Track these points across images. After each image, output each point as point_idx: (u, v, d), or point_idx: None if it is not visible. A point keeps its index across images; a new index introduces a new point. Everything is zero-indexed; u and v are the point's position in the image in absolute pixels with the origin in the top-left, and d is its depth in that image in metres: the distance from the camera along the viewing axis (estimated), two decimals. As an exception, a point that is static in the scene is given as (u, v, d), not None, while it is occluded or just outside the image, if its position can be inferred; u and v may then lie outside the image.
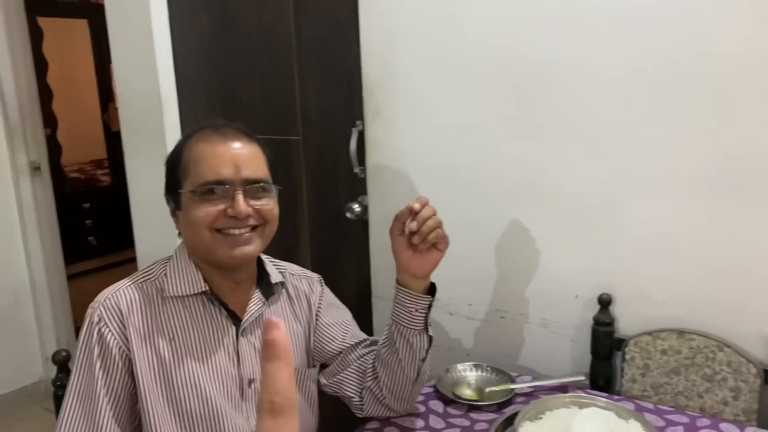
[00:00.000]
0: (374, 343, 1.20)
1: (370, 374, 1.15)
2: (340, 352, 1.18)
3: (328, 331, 1.18)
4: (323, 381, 1.19)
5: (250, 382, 1.06)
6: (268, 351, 0.36)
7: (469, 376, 1.36)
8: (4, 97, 2.59)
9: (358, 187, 1.74)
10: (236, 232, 1.00)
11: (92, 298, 1.03)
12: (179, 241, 1.09)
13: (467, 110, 1.45)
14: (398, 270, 1.09)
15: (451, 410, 1.24)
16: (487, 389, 1.28)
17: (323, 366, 1.21)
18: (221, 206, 0.98)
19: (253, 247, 1.02)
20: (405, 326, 1.09)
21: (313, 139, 1.83)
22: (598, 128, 1.29)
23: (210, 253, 1.02)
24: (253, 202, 1.00)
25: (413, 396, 1.17)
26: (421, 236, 1.03)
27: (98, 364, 0.98)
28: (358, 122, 1.68)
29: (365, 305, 1.72)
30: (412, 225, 1.03)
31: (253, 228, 1.02)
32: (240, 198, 0.98)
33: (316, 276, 1.22)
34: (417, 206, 1.03)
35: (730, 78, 1.15)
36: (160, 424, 1.00)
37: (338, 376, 1.18)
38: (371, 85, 1.58)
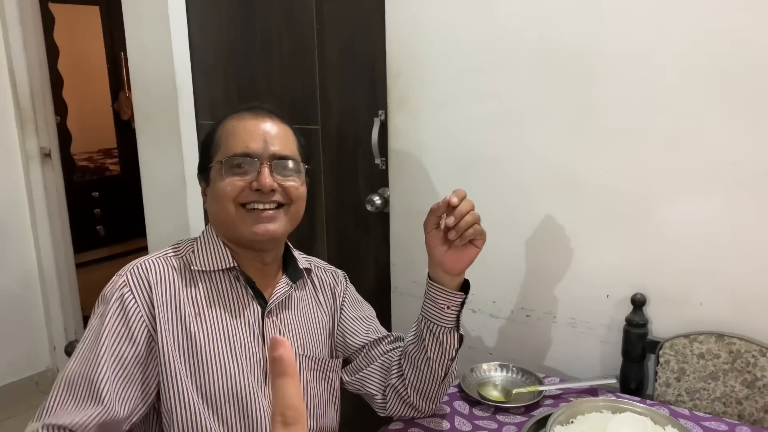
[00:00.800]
0: (399, 339, 1.16)
1: (395, 372, 1.10)
2: (363, 347, 1.14)
3: (352, 324, 1.15)
4: (346, 378, 1.15)
5: None
6: (276, 368, 0.39)
7: (495, 376, 1.31)
8: (15, 83, 2.55)
9: (378, 179, 1.69)
10: (260, 207, 0.99)
11: (99, 288, 0.99)
12: (194, 227, 1.07)
13: (497, 101, 1.39)
14: (431, 265, 1.04)
15: (477, 411, 1.19)
16: (515, 390, 1.23)
17: (345, 362, 1.17)
18: (247, 178, 0.98)
19: (276, 226, 1.00)
20: (435, 323, 1.04)
21: (333, 128, 1.78)
22: (636, 122, 1.23)
23: (234, 229, 1.00)
24: (279, 179, 0.99)
25: (439, 396, 1.12)
26: (458, 232, 0.97)
27: (112, 325, 0.93)
28: (380, 111, 1.63)
29: (384, 299, 1.67)
30: (449, 220, 0.97)
31: (278, 206, 1.00)
32: (266, 170, 0.98)
33: (341, 272, 1.21)
34: (455, 200, 0.97)
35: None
36: (185, 400, 0.95)
37: (361, 373, 1.14)
38: (396, 73, 1.53)
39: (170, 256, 1.02)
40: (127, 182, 4.32)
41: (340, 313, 1.16)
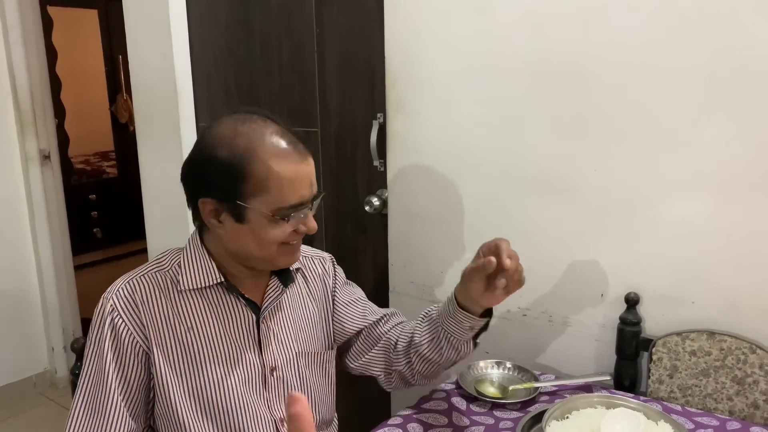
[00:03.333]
0: (395, 315, 1.21)
1: (402, 360, 1.15)
2: (362, 330, 1.18)
3: (347, 309, 1.19)
4: (351, 364, 1.20)
5: (273, 370, 1.06)
6: (294, 425, 0.42)
7: (491, 373, 1.34)
8: (16, 86, 2.57)
9: (377, 181, 1.71)
10: (296, 241, 1.02)
11: (96, 290, 1.02)
12: (194, 230, 1.07)
13: (494, 104, 1.42)
14: (463, 296, 1.05)
15: (474, 407, 1.22)
16: (511, 387, 1.26)
17: (346, 348, 1.20)
18: (293, 223, 0.98)
19: (300, 248, 1.07)
20: (455, 336, 1.08)
21: (332, 131, 1.80)
22: (629, 124, 1.26)
23: (267, 263, 1.03)
24: None
25: (443, 376, 1.20)
26: (506, 290, 0.99)
27: (110, 355, 0.97)
28: (379, 114, 1.65)
29: (382, 300, 1.70)
30: (501, 282, 0.97)
31: None
32: (310, 215, 1.00)
33: (327, 255, 1.22)
34: (508, 263, 0.96)
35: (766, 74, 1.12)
36: (180, 415, 0.99)
37: (365, 357, 1.18)
38: (394, 76, 1.56)
39: (155, 272, 1.02)
40: (124, 185, 4.33)
41: (333, 299, 1.18)
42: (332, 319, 1.17)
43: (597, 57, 1.27)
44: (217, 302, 1.03)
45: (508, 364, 1.35)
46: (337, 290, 1.19)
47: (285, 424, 1.05)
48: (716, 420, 1.14)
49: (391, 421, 1.16)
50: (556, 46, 1.32)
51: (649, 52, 1.22)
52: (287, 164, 0.95)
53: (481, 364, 1.35)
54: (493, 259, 0.96)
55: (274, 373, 1.06)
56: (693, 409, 1.19)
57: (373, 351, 1.17)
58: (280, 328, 1.08)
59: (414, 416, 1.17)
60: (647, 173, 1.26)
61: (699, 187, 1.21)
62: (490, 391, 1.26)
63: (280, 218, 0.96)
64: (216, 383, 1.00)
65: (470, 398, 1.24)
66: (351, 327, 1.18)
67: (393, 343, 1.16)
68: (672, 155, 1.23)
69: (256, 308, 1.05)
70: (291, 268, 1.10)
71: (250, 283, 1.06)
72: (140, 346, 0.98)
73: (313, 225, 1.00)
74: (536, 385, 1.26)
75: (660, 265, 1.28)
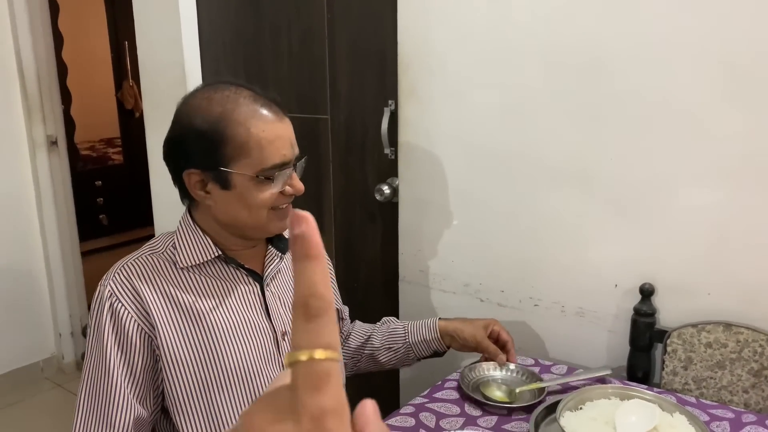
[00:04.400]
0: (347, 319, 1.32)
1: (349, 354, 1.29)
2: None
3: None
4: None
5: (284, 334, 1.07)
6: (298, 248, 0.32)
7: (495, 375, 1.25)
8: (23, 71, 2.55)
9: (388, 169, 1.70)
10: (285, 205, 1.02)
11: (102, 277, 1.00)
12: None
13: (508, 91, 1.40)
14: (455, 343, 1.26)
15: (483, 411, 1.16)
16: (518, 389, 1.19)
17: None
18: (279, 185, 0.99)
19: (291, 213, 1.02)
20: (415, 355, 1.27)
21: (342, 118, 1.78)
22: (646, 113, 1.24)
23: (260, 230, 1.02)
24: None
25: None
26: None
27: (112, 340, 0.96)
28: (390, 101, 1.64)
29: (392, 289, 1.69)
30: (501, 358, 1.25)
31: None
32: (295, 175, 1.01)
33: None
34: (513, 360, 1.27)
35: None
36: (192, 391, 0.98)
37: None
38: (406, 62, 1.54)
39: (149, 255, 1.02)
40: (130, 171, 4.32)
41: None
42: None
43: (613, 46, 1.25)
44: (219, 275, 1.03)
45: (512, 366, 1.27)
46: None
47: None
48: (731, 412, 1.13)
49: (403, 410, 1.15)
50: (572, 34, 1.29)
51: (666, 41, 1.20)
52: (264, 124, 0.96)
53: (483, 365, 1.27)
54: (504, 357, 1.25)
55: (286, 338, 1.07)
56: (708, 402, 1.17)
57: None
58: (284, 293, 1.09)
59: (426, 405, 1.16)
60: (663, 163, 1.24)
61: (716, 177, 1.19)
62: (497, 395, 1.19)
63: (264, 179, 0.97)
64: (230, 351, 0.99)
65: (478, 403, 1.17)
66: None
67: (343, 337, 1.28)
68: (689, 145, 1.21)
69: (258, 278, 1.06)
70: (285, 235, 1.11)
71: (248, 254, 1.06)
72: (142, 328, 0.96)
73: (299, 186, 1.01)
74: (543, 385, 1.19)
75: (675, 255, 1.26)
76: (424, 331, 1.25)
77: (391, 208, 1.70)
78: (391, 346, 1.26)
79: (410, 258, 1.65)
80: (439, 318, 1.27)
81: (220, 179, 0.97)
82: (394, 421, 1.12)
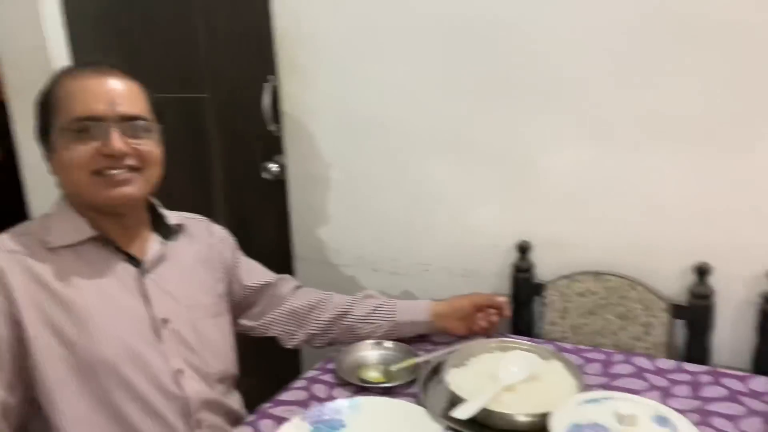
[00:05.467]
0: (288, 279, 1.26)
1: (324, 326, 1.22)
2: (264, 287, 1.22)
3: (248, 264, 1.22)
4: (250, 323, 1.22)
5: (164, 321, 1.02)
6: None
7: (369, 356, 1.20)
8: None
9: (273, 146, 1.67)
10: (114, 172, 0.95)
11: None
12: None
13: (391, 64, 1.41)
14: (443, 321, 1.23)
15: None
16: (394, 367, 1.15)
17: (247, 306, 1.22)
18: (95, 144, 0.93)
19: (132, 188, 0.97)
20: (395, 332, 1.21)
21: (223, 96, 1.73)
22: (519, 81, 1.29)
23: (89, 197, 0.97)
24: (131, 141, 0.95)
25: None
26: (482, 329, 1.23)
27: None
28: (270, 77, 1.60)
29: (287, 267, 1.67)
30: (494, 318, 1.23)
31: (132, 169, 0.97)
32: (115, 134, 0.93)
33: (206, 219, 1.22)
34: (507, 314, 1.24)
35: (659, 33, 1.16)
36: (61, 383, 0.93)
37: (267, 317, 1.22)
38: (283, 37, 1.51)
39: (18, 237, 0.97)
40: (4, 169, 4.01)
41: (233, 255, 1.20)
42: (232, 274, 1.19)
43: (492, 20, 1.28)
44: (93, 258, 0.98)
45: (387, 344, 1.21)
46: (236, 249, 1.22)
47: (182, 375, 1.02)
48: (603, 354, 1.21)
49: (298, 383, 1.13)
50: (456, 4, 1.30)
51: (545, 12, 1.23)
52: (77, 81, 0.95)
53: (356, 346, 1.20)
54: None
55: (168, 326, 1.02)
56: (583, 346, 1.25)
57: (276, 311, 1.22)
58: (167, 281, 1.05)
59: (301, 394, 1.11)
60: (534, 128, 1.30)
61: (580, 139, 1.26)
62: (374, 376, 1.13)
63: (73, 135, 0.93)
64: (102, 336, 0.95)
65: (358, 389, 1.08)
66: (252, 281, 1.21)
67: (305, 307, 1.22)
68: (556, 107, 1.27)
69: (137, 263, 1.02)
70: (169, 223, 1.09)
71: (127, 240, 1.02)
72: (9, 313, 0.91)
73: (115, 144, 0.93)
74: (418, 360, 1.15)
75: (548, 213, 1.33)
76: (415, 311, 1.22)
77: (280, 186, 1.68)
78: (374, 321, 1.22)
79: (303, 235, 1.64)
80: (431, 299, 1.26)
81: (47, 145, 0.97)
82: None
